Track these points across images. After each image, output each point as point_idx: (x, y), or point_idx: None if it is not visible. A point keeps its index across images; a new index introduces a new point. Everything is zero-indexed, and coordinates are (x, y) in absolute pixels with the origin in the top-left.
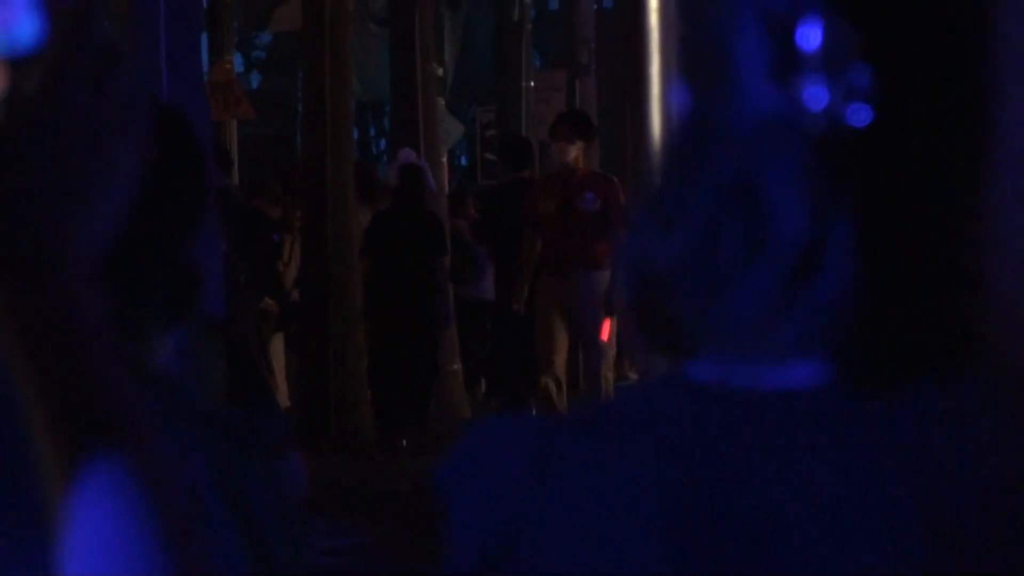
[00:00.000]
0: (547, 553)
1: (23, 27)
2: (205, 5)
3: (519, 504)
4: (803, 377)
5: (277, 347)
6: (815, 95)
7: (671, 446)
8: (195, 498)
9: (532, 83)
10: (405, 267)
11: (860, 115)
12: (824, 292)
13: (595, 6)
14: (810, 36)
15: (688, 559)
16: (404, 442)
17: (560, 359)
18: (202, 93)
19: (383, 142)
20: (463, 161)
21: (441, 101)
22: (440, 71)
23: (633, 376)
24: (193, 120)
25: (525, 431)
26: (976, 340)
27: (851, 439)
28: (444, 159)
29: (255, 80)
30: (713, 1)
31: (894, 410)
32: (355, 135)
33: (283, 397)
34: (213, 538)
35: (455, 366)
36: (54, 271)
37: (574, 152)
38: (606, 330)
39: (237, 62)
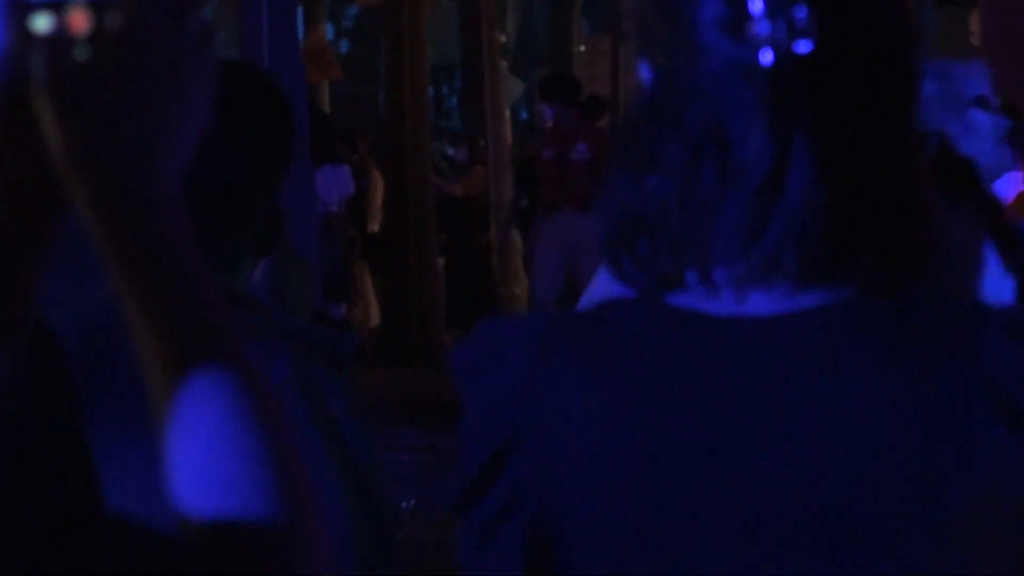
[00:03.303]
0: (547, 453)
1: None
2: None
3: (523, 403)
4: (772, 303)
5: (363, 271)
6: (762, 36)
7: (654, 363)
8: (281, 399)
9: (582, 48)
10: None
11: (803, 44)
12: (790, 209)
13: None
14: None
15: (663, 464)
16: None
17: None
18: (298, 58)
19: (454, 99)
20: (523, 115)
21: (504, 64)
22: (503, 38)
23: None
24: (289, 82)
25: (528, 336)
26: (918, 250)
27: (820, 361)
28: (507, 114)
29: (344, 46)
30: None
31: (860, 334)
32: (431, 93)
33: (374, 315)
34: (298, 437)
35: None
36: (150, 191)
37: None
38: None
39: (328, 31)
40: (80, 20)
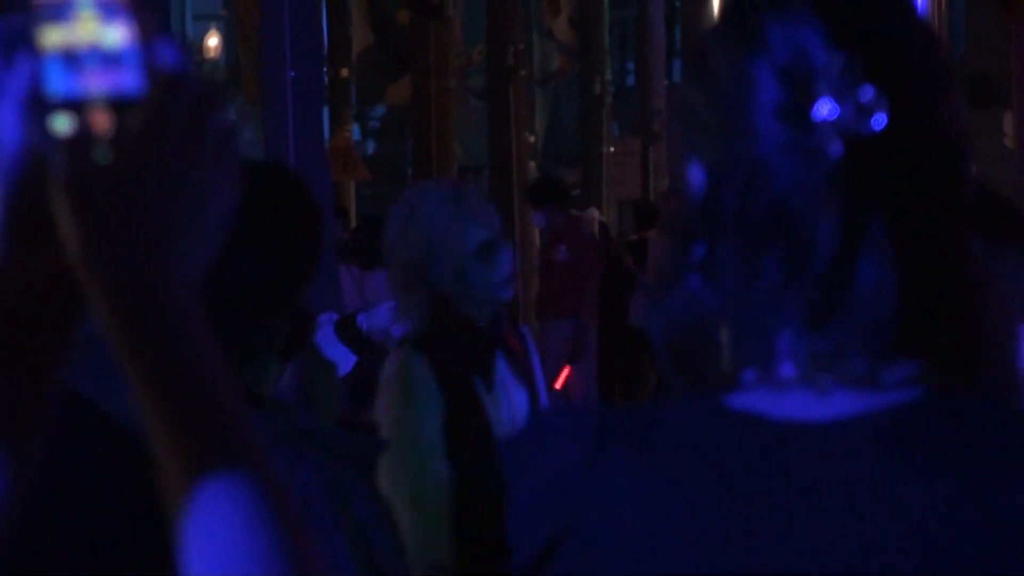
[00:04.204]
0: (594, 548)
1: (129, 81)
2: (326, 81)
3: (573, 496)
4: (832, 406)
5: None
6: (829, 119)
7: (710, 466)
8: (307, 507)
9: (611, 148)
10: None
11: (877, 121)
12: (860, 296)
13: (666, 81)
14: (821, 77)
15: (716, 567)
16: None
17: None
18: (324, 159)
19: None
20: None
21: (532, 164)
22: (532, 138)
23: None
24: (315, 182)
25: (581, 427)
26: (984, 348)
27: (881, 469)
28: None
29: (371, 147)
30: (727, 67)
31: (921, 441)
32: None
33: None
34: (323, 542)
35: None
36: (167, 293)
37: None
38: (562, 378)
39: (355, 131)
40: (101, 121)
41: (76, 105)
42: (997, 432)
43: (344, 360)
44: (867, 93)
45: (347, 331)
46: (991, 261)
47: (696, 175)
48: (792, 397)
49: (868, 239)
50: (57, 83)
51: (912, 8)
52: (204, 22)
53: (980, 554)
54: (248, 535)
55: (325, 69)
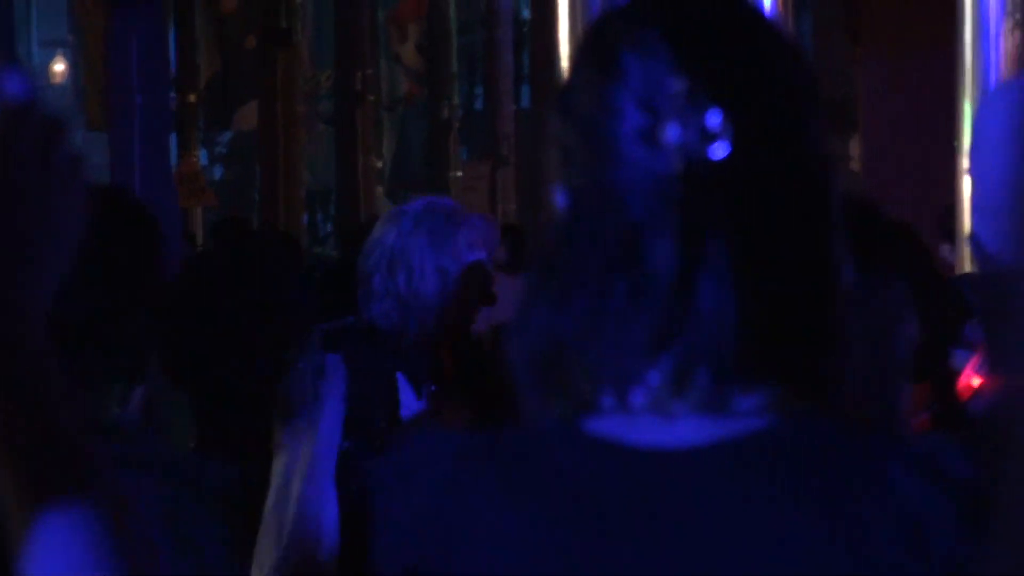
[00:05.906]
0: (456, 569)
1: None
2: (173, 107)
3: (432, 526)
4: (687, 432)
5: None
6: (674, 143)
7: (569, 494)
8: (146, 530)
9: (459, 173)
10: None
11: (718, 149)
12: (701, 317)
13: (515, 106)
14: (670, 103)
15: None
16: None
17: None
18: (171, 184)
19: (329, 225)
20: None
21: (380, 189)
22: (379, 163)
23: None
24: (162, 207)
25: (440, 454)
26: (831, 367)
27: (736, 496)
28: None
29: (218, 172)
30: (589, 98)
31: (775, 469)
32: (305, 219)
33: None
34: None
35: None
36: (10, 322)
37: None
38: None
39: (202, 157)
40: None
41: None
42: (847, 461)
43: None
44: (714, 118)
45: None
46: (871, 286)
47: (560, 200)
48: (644, 423)
49: (706, 263)
50: None
51: (772, 33)
52: (50, 48)
53: None
54: (89, 564)
55: (172, 95)
